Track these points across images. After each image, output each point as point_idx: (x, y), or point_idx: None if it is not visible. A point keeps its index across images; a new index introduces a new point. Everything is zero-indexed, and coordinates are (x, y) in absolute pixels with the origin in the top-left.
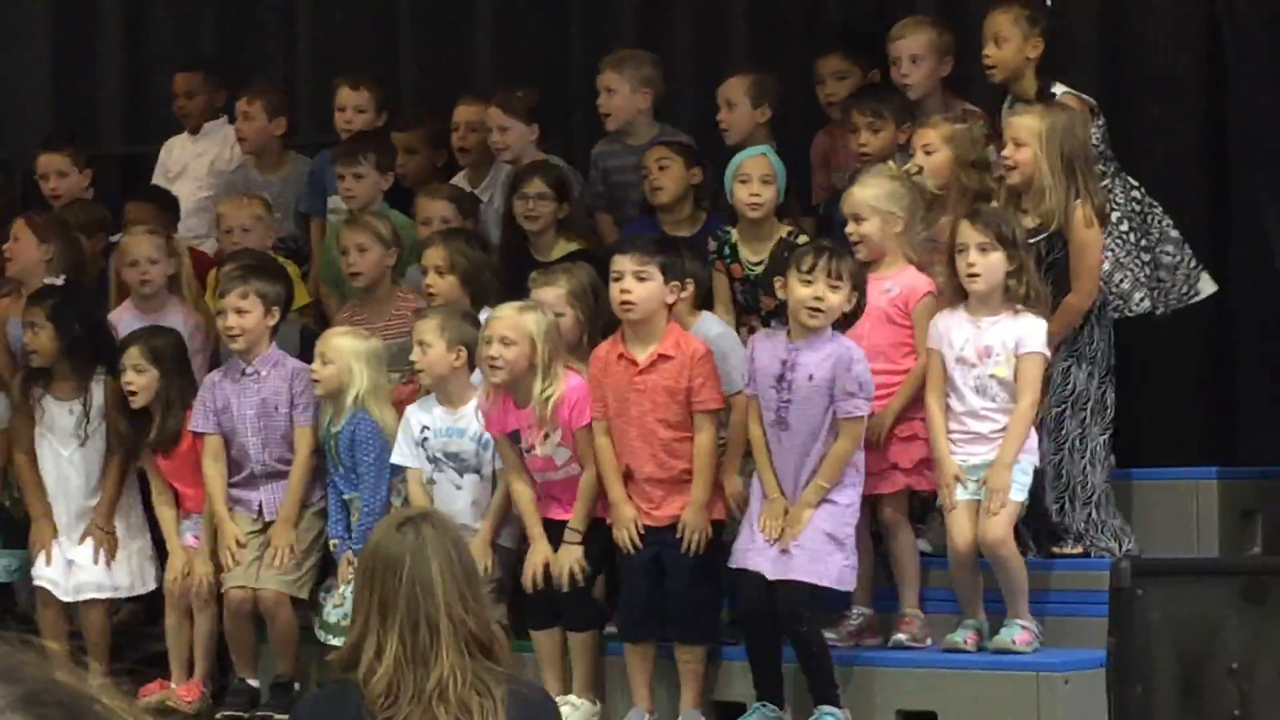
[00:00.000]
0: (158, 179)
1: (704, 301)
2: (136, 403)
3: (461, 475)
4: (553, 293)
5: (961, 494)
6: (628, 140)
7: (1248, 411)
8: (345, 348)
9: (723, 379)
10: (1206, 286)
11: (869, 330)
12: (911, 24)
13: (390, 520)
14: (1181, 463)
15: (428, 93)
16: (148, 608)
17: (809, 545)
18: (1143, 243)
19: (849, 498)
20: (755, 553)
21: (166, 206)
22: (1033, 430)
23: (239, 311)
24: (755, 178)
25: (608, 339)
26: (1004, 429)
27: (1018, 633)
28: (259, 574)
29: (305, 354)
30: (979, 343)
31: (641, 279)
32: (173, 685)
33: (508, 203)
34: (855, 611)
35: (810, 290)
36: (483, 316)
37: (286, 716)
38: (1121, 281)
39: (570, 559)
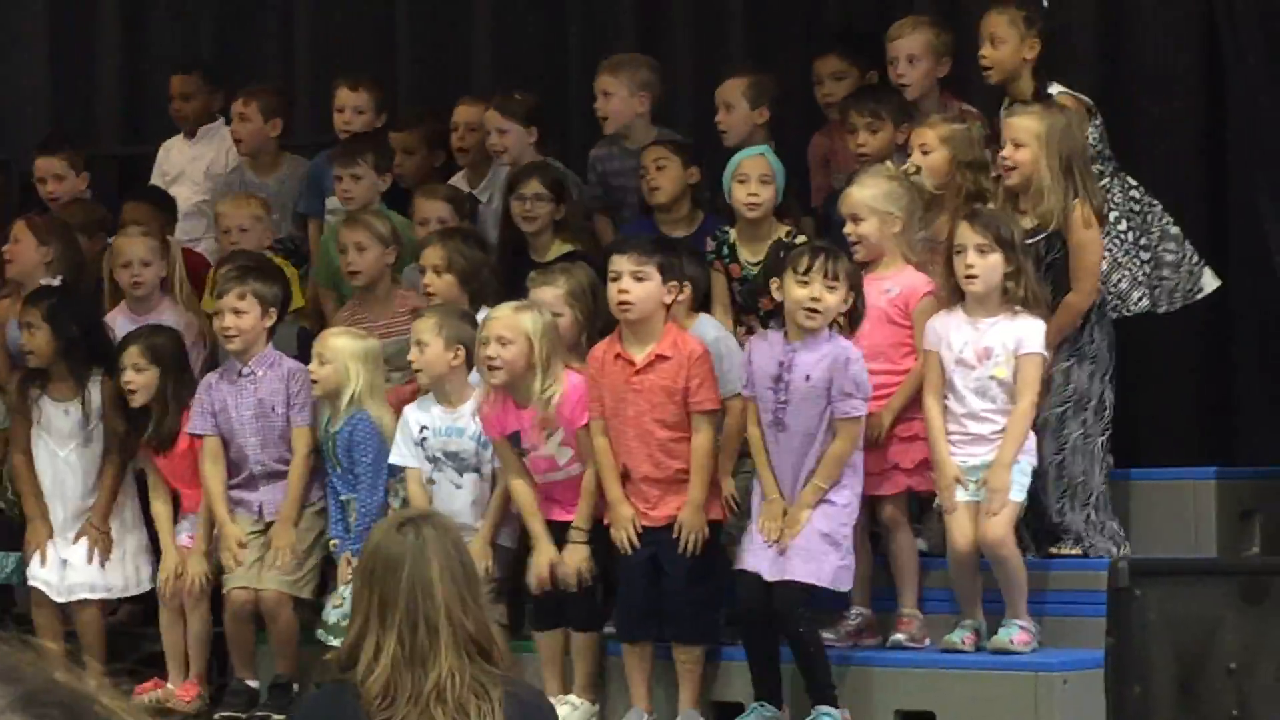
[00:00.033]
0: (155, 181)
1: (701, 304)
2: (136, 402)
3: (461, 474)
4: (551, 293)
5: (962, 495)
6: (625, 144)
7: (1246, 412)
8: (342, 348)
9: (719, 381)
10: (1210, 282)
11: (869, 330)
12: (909, 24)
13: (391, 521)
14: (1180, 463)
15: (426, 93)
16: (146, 608)
17: (804, 545)
18: (1142, 241)
19: (846, 498)
20: (753, 553)
21: (163, 207)
22: (1031, 431)
23: (236, 312)
24: (753, 178)
25: (605, 339)
26: (1003, 430)
27: (1016, 633)
28: (260, 574)
29: (303, 355)
30: (979, 344)
31: (639, 279)
32: (169, 685)
33: (505, 203)
34: (854, 612)
35: (807, 291)
36: (480, 316)
37: (284, 717)
38: (1120, 281)
39: (577, 559)
